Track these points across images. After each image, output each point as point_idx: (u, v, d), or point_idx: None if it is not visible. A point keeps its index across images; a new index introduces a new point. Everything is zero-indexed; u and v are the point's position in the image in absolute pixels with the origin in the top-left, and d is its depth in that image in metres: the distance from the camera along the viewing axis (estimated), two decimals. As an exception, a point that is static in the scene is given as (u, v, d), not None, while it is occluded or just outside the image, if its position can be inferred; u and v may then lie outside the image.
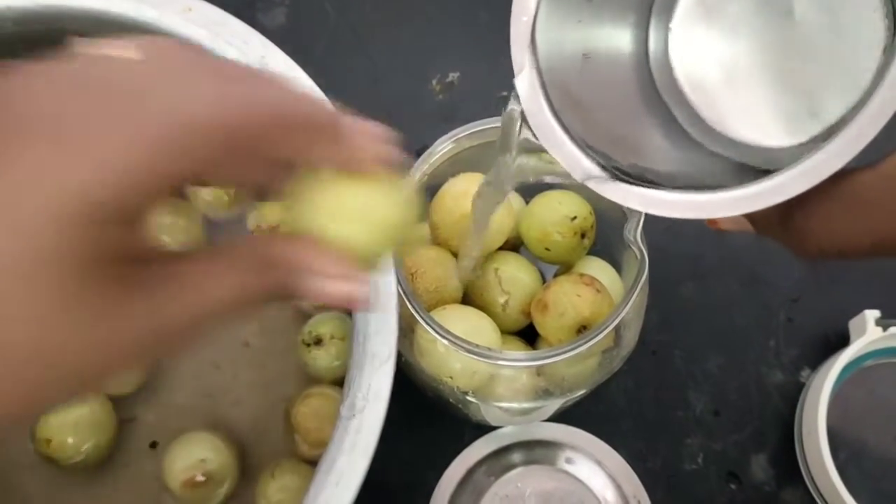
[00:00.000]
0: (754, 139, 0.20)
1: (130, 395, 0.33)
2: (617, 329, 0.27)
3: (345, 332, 0.31)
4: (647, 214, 0.29)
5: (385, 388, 0.23)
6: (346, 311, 0.31)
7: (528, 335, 0.33)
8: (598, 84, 0.22)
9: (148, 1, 0.27)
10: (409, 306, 0.26)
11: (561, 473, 0.35)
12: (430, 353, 0.28)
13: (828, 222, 0.17)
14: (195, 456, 0.30)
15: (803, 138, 0.19)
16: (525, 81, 0.20)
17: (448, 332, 0.25)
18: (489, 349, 0.25)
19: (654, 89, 0.22)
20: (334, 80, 0.42)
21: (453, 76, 0.43)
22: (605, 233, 0.33)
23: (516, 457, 0.35)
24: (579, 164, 0.20)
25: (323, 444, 0.22)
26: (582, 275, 0.29)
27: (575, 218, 0.32)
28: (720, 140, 0.21)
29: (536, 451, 0.36)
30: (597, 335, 0.25)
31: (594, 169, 0.20)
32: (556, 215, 0.32)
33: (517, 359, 0.25)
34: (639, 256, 0.27)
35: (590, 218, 0.33)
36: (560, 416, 0.35)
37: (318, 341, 0.32)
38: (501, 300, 0.31)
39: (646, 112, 0.22)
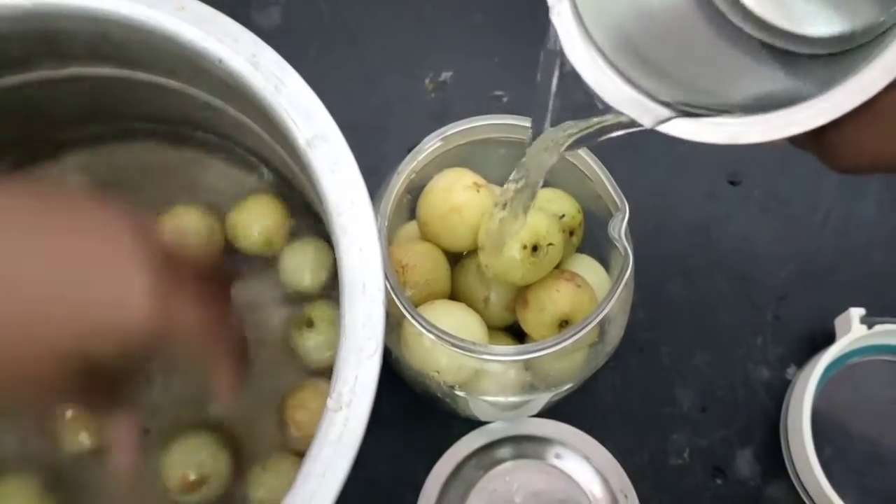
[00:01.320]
0: (822, 32, 0.18)
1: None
2: (601, 325, 0.27)
3: (334, 318, 0.31)
4: (630, 213, 0.29)
5: (372, 380, 0.24)
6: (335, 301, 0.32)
7: (518, 331, 0.33)
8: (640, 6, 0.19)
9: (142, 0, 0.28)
10: (396, 301, 0.26)
11: (549, 468, 0.35)
12: (416, 348, 0.28)
13: (861, 137, 0.17)
14: (191, 457, 0.31)
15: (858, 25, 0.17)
16: (564, 18, 0.18)
17: (433, 326, 0.26)
18: (474, 343, 0.26)
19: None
20: (328, 78, 0.42)
21: (446, 75, 0.43)
22: (594, 230, 0.34)
23: (505, 451, 0.36)
24: (640, 105, 0.18)
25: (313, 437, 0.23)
26: (563, 270, 0.30)
27: (563, 216, 0.33)
28: (788, 39, 0.18)
29: (525, 446, 0.36)
30: (580, 330, 0.26)
31: (656, 107, 0.18)
32: (544, 212, 0.32)
33: (502, 353, 0.26)
34: (623, 254, 0.27)
35: (578, 216, 0.33)
36: (549, 412, 0.35)
37: (310, 323, 0.32)
38: (484, 296, 0.31)
39: (705, 31, 0.19)
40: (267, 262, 0.35)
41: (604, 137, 0.21)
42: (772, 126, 0.17)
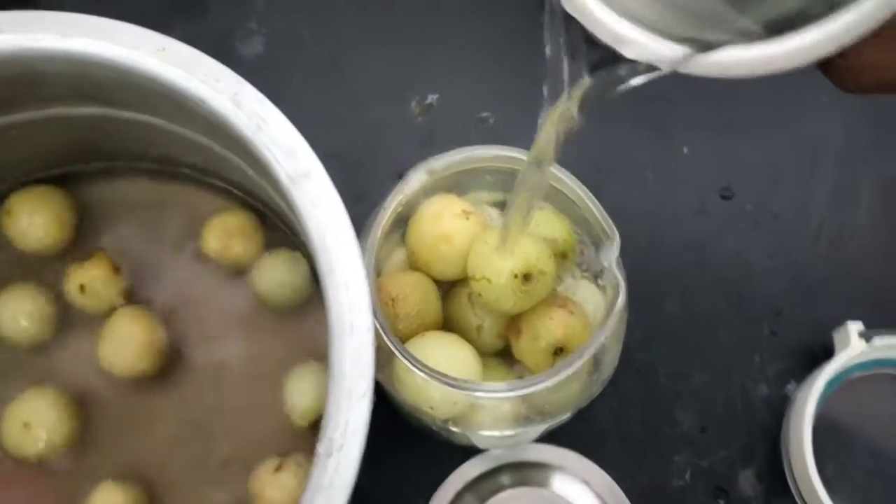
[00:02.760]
0: None
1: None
2: (596, 355, 0.27)
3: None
4: (622, 233, 0.29)
5: (363, 423, 0.23)
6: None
7: (511, 354, 0.33)
8: None
9: (122, 42, 0.27)
10: (386, 340, 0.26)
11: (549, 494, 0.35)
12: (409, 384, 0.28)
13: (867, 58, 0.17)
14: None
15: None
16: None
17: (425, 365, 0.25)
18: (466, 381, 0.25)
19: None
20: (313, 107, 0.43)
21: (432, 98, 0.43)
22: (589, 252, 0.34)
23: (504, 479, 0.35)
24: (655, 46, 0.17)
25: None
26: (556, 297, 0.30)
27: (556, 240, 0.32)
28: None
29: (524, 472, 0.36)
30: (573, 363, 0.25)
31: (671, 46, 0.17)
32: (536, 238, 0.32)
33: (495, 390, 0.25)
34: (615, 284, 0.27)
35: (570, 239, 0.33)
36: (547, 437, 0.35)
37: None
38: (476, 325, 0.31)
39: None
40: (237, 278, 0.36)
41: (620, 88, 0.20)
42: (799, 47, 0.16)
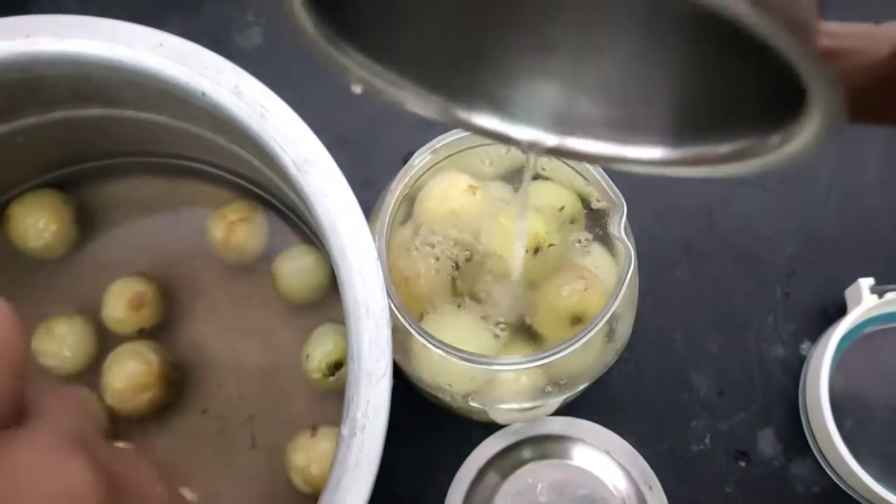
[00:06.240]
0: None
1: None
2: (610, 323, 0.27)
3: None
4: (629, 203, 0.29)
5: (384, 403, 0.24)
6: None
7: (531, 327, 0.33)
8: None
9: (119, 40, 0.28)
10: (401, 319, 0.26)
11: (571, 465, 0.35)
12: (426, 362, 0.28)
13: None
14: None
15: None
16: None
17: (441, 342, 0.25)
18: (482, 355, 0.26)
19: None
20: (313, 96, 0.42)
21: (432, 80, 0.43)
22: (598, 219, 0.33)
23: (525, 453, 0.36)
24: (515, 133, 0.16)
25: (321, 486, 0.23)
26: (570, 267, 0.30)
27: (563, 208, 0.32)
28: None
29: (545, 445, 0.36)
30: (587, 333, 0.25)
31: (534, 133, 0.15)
32: (543, 207, 0.32)
33: (511, 362, 0.26)
34: (624, 251, 0.27)
35: (577, 205, 0.33)
36: (566, 409, 0.35)
37: (339, 366, 0.32)
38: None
39: None
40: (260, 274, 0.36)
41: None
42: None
